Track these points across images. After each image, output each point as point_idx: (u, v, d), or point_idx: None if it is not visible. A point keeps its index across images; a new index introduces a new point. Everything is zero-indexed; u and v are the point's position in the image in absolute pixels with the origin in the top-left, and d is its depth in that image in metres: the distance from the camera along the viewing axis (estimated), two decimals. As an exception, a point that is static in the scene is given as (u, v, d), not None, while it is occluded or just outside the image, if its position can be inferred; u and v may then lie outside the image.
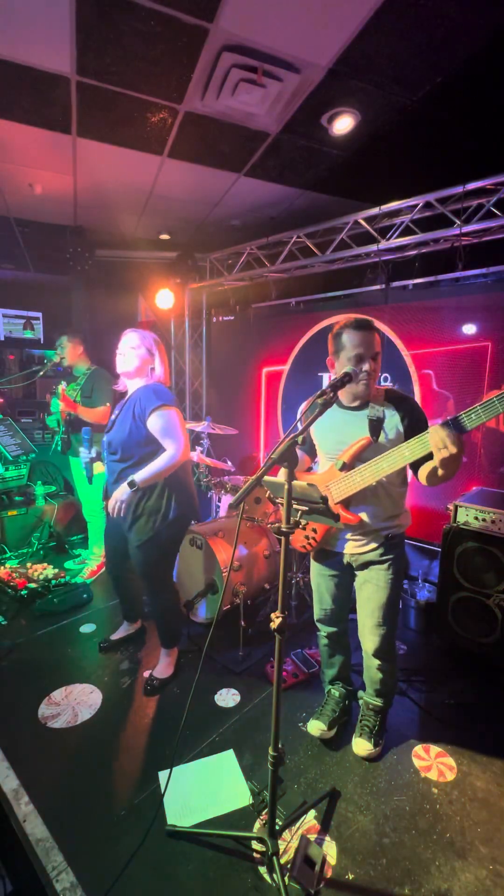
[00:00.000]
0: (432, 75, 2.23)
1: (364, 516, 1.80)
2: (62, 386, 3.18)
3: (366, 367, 1.68)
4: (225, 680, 2.45)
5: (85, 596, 3.20)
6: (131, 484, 2.04)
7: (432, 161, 3.12)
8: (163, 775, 1.87)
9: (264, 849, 1.54)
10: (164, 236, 4.76)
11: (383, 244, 3.33)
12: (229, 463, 4.00)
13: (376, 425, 1.72)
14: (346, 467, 1.76)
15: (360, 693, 2.14)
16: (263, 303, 4.83)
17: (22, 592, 3.14)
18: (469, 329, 3.14)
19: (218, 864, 1.57)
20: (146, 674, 2.44)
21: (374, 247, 3.39)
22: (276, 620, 1.40)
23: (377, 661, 1.96)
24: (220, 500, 3.87)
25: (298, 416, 1.83)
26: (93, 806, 1.77)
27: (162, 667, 2.43)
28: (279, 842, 1.56)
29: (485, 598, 2.46)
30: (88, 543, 3.62)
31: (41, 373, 3.64)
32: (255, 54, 2.10)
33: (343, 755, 2.02)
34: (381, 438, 1.72)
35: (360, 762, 1.98)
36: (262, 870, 1.55)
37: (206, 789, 1.83)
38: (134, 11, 1.86)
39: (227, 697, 2.33)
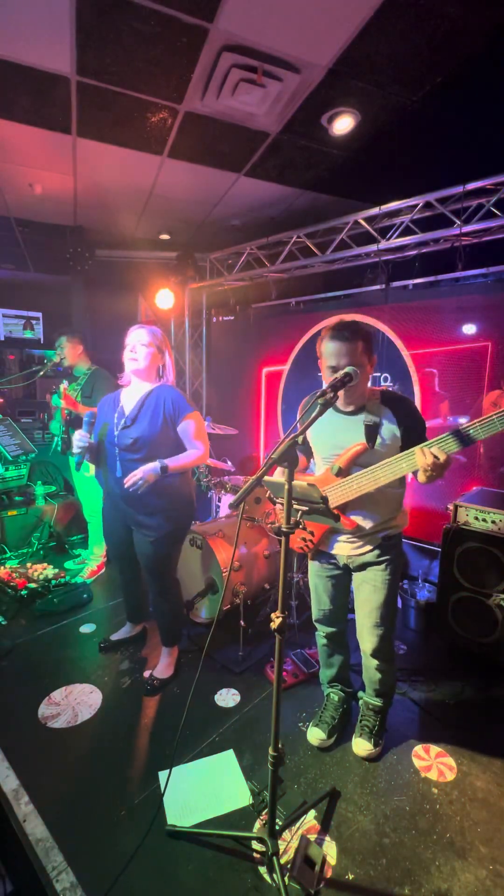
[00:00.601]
0: (432, 75, 2.23)
1: (360, 520, 1.80)
2: (63, 385, 3.17)
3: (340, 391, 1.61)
4: (225, 680, 2.45)
5: (85, 596, 3.20)
6: (164, 469, 2.04)
7: (432, 161, 3.12)
8: (163, 775, 1.87)
9: (264, 849, 1.54)
10: (164, 236, 4.76)
11: (383, 244, 3.33)
12: (229, 463, 4.00)
13: (372, 430, 1.71)
14: (342, 472, 1.75)
15: (360, 693, 2.15)
16: (263, 303, 4.83)
17: (22, 592, 3.13)
18: (469, 329, 3.14)
19: (218, 864, 1.57)
20: (146, 674, 2.44)
21: (374, 247, 3.39)
22: (276, 620, 1.40)
23: (376, 662, 1.96)
24: (220, 500, 3.87)
25: (298, 416, 1.83)
26: (93, 806, 1.77)
27: (162, 667, 2.43)
28: (279, 842, 1.56)
29: (485, 598, 2.46)
30: (88, 543, 3.62)
31: (41, 373, 3.64)
32: (255, 54, 2.10)
33: (343, 755, 2.02)
34: (377, 444, 1.71)
35: (360, 762, 1.98)
36: (262, 870, 1.55)
37: (206, 789, 1.83)
38: (134, 11, 1.86)
39: (227, 697, 2.33)
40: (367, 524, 1.81)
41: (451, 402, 3.25)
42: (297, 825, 1.69)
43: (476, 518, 2.51)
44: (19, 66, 2.19)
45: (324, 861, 1.56)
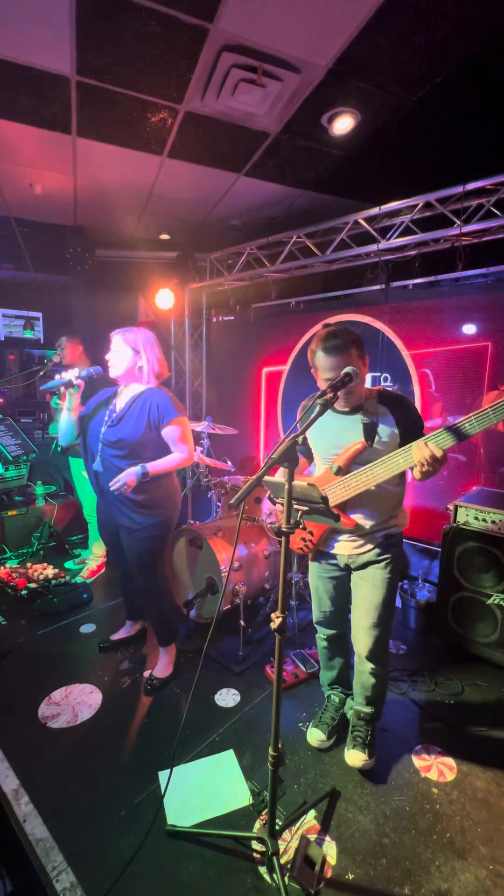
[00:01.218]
0: (432, 75, 2.23)
1: (361, 518, 1.80)
2: (49, 388, 3.18)
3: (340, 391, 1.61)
4: (225, 680, 2.45)
5: (85, 596, 3.20)
6: (145, 474, 2.09)
7: (432, 161, 3.12)
8: (163, 775, 1.87)
9: (264, 849, 1.54)
10: (164, 236, 4.75)
11: (383, 244, 3.33)
12: (229, 463, 4.00)
13: (370, 429, 1.71)
14: (342, 471, 1.76)
15: (350, 703, 2.11)
16: (263, 303, 4.82)
17: (22, 592, 3.14)
18: (469, 329, 3.14)
19: (218, 864, 1.57)
20: (146, 674, 2.44)
21: (374, 247, 3.39)
22: (276, 620, 1.40)
23: (370, 665, 1.91)
24: (220, 500, 3.87)
25: (298, 416, 1.83)
26: (93, 806, 1.77)
27: (161, 666, 2.43)
28: (279, 842, 1.56)
29: (485, 598, 2.46)
30: (88, 543, 3.62)
31: (41, 373, 3.64)
32: (255, 54, 2.10)
33: (343, 755, 2.02)
34: (376, 442, 1.72)
35: (360, 762, 1.98)
36: (262, 870, 1.55)
37: (206, 789, 1.83)
38: (134, 11, 1.86)
39: (227, 697, 2.33)
40: (366, 523, 1.81)
41: (450, 402, 3.25)
42: (297, 825, 1.69)
43: (476, 518, 2.51)
44: (19, 66, 2.19)
45: (324, 861, 1.56)
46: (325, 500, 1.45)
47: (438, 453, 1.52)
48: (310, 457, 1.98)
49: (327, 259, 3.75)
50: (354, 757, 1.95)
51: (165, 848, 1.61)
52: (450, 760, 1.99)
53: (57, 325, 5.16)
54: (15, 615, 3.01)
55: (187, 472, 4.86)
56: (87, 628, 2.92)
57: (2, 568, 3.41)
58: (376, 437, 1.72)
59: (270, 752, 1.49)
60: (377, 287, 3.81)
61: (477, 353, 3.09)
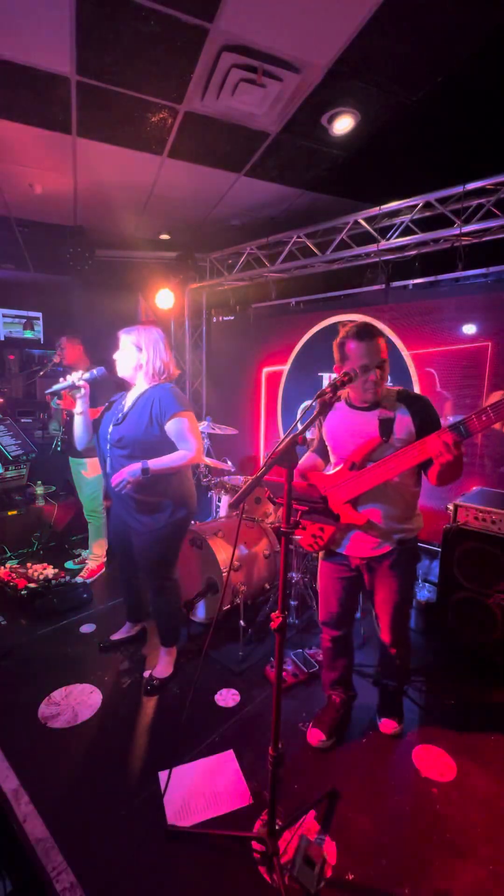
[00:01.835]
0: (432, 75, 2.23)
1: (373, 515, 1.80)
2: (55, 391, 3.18)
3: (371, 376, 1.69)
4: (225, 680, 2.45)
5: (85, 596, 3.20)
6: (145, 471, 2.04)
7: (432, 161, 3.12)
8: (163, 775, 1.87)
9: (264, 849, 1.54)
10: (164, 236, 4.76)
11: (383, 244, 3.33)
12: (229, 463, 4.00)
13: (387, 425, 1.72)
14: (357, 467, 1.77)
15: (377, 676, 2.21)
16: (263, 303, 4.83)
17: (22, 592, 3.13)
18: (469, 329, 3.14)
19: (218, 864, 1.57)
20: (146, 674, 2.44)
21: (374, 247, 3.39)
22: (276, 620, 1.40)
23: (395, 650, 2.01)
24: (220, 500, 3.87)
25: (298, 416, 1.84)
26: (93, 806, 1.77)
27: (161, 666, 2.43)
28: (279, 842, 1.56)
29: (485, 598, 2.46)
30: (88, 543, 3.62)
31: (41, 373, 3.64)
32: (255, 54, 2.09)
33: (343, 755, 2.02)
34: (392, 438, 1.72)
35: (359, 762, 1.98)
36: (263, 870, 1.55)
37: (206, 789, 1.83)
38: (134, 11, 1.86)
39: (227, 697, 2.33)
40: (379, 520, 1.80)
41: (451, 402, 3.25)
42: (297, 825, 1.69)
43: (476, 518, 2.51)
44: (19, 66, 2.19)
45: (324, 861, 1.56)
46: (324, 499, 1.45)
47: (450, 441, 1.49)
48: (325, 457, 2.00)
49: (327, 259, 3.75)
50: (387, 725, 2.11)
51: (165, 848, 1.61)
52: (450, 760, 1.99)
53: (57, 325, 5.16)
54: (15, 615, 3.01)
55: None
56: (87, 628, 2.92)
57: (2, 568, 3.41)
58: (392, 434, 1.72)
59: (270, 752, 1.49)
60: (377, 287, 3.81)
61: (477, 352, 3.09)
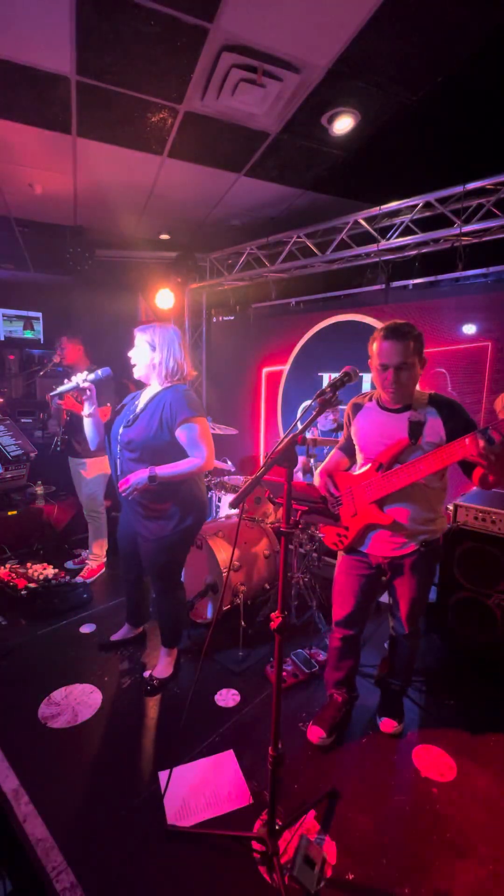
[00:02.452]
0: (432, 75, 2.23)
1: (399, 517, 1.81)
2: (59, 393, 3.18)
3: (388, 376, 1.70)
4: (225, 680, 2.45)
5: (85, 596, 3.20)
6: (152, 478, 1.99)
7: (432, 161, 3.12)
8: (163, 775, 1.87)
9: (264, 849, 1.54)
10: (164, 236, 4.76)
11: (383, 244, 3.33)
12: (229, 463, 4.00)
13: (416, 428, 1.72)
14: (384, 468, 1.78)
15: (380, 676, 2.22)
16: (263, 303, 4.83)
17: (22, 592, 3.13)
18: (469, 329, 3.14)
19: (218, 864, 1.57)
20: (146, 674, 2.44)
21: (374, 247, 3.39)
22: (276, 620, 1.40)
23: (409, 640, 2.04)
24: (220, 500, 3.87)
25: (298, 416, 1.85)
26: (93, 806, 1.77)
27: (161, 667, 2.43)
28: (279, 842, 1.56)
29: (485, 598, 2.46)
30: (88, 543, 3.62)
31: (41, 373, 3.64)
32: (255, 54, 2.10)
33: (343, 755, 2.02)
34: (421, 441, 1.73)
35: (359, 762, 1.98)
36: (263, 870, 1.55)
37: (206, 789, 1.83)
38: (134, 11, 1.86)
39: (227, 697, 2.33)
40: (404, 521, 1.80)
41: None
42: (297, 825, 1.69)
43: (476, 518, 2.51)
44: (19, 66, 2.19)
45: (324, 861, 1.56)
46: (323, 499, 1.45)
47: (482, 446, 1.45)
48: (351, 455, 2.01)
49: (327, 259, 3.75)
50: (387, 724, 2.12)
51: (165, 848, 1.61)
52: (450, 760, 1.99)
53: (57, 325, 5.16)
54: (15, 615, 3.01)
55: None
56: (87, 628, 2.92)
57: (2, 568, 3.41)
58: (422, 437, 1.73)
59: (270, 752, 1.49)
60: (377, 287, 3.81)
61: (477, 353, 3.09)
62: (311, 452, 3.13)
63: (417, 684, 2.44)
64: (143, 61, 2.16)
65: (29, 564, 3.48)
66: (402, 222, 3.28)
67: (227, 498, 3.62)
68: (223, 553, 2.79)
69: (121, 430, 2.15)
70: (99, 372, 2.24)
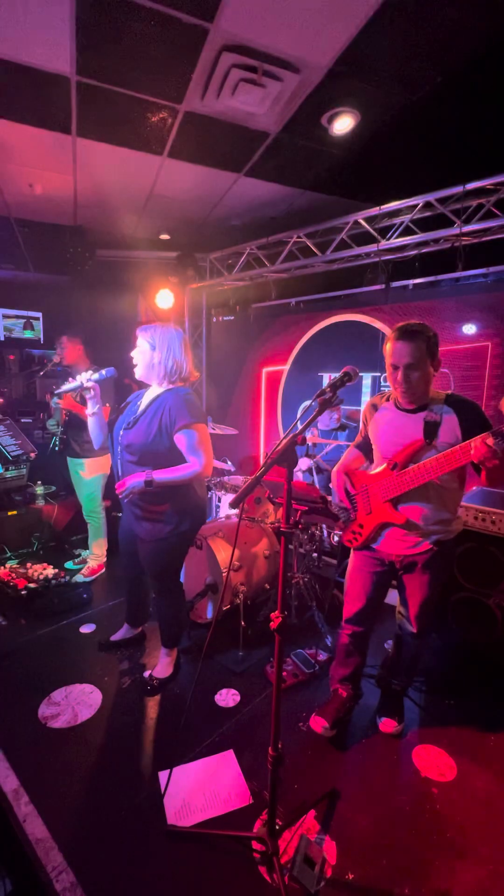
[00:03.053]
0: (432, 75, 2.23)
1: (413, 516, 1.81)
2: (63, 392, 3.18)
3: (398, 376, 1.72)
4: (225, 680, 2.45)
5: (85, 596, 3.20)
6: (149, 483, 1.99)
7: (432, 161, 3.12)
8: (163, 775, 1.87)
9: (264, 849, 1.54)
10: (164, 236, 4.76)
11: (383, 244, 3.33)
12: (229, 463, 4.00)
13: (432, 428, 1.73)
14: (399, 467, 1.78)
15: (383, 675, 2.23)
16: (263, 303, 4.83)
17: (22, 592, 3.13)
18: (469, 329, 3.14)
19: (218, 864, 1.57)
20: (146, 674, 2.44)
21: (374, 247, 3.39)
22: (276, 620, 1.40)
23: (417, 639, 2.04)
24: (220, 500, 3.87)
25: (298, 416, 1.85)
26: (93, 806, 1.77)
27: (161, 667, 2.43)
28: (279, 842, 1.56)
29: (485, 598, 2.46)
30: (88, 543, 3.62)
31: (41, 373, 3.64)
32: (255, 54, 2.10)
33: (343, 755, 2.02)
34: (436, 441, 1.73)
35: (359, 762, 1.98)
36: (263, 870, 1.55)
37: (206, 789, 1.83)
38: (134, 11, 1.86)
39: (227, 697, 2.33)
40: (418, 519, 1.81)
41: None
42: (297, 825, 1.69)
43: (476, 518, 2.51)
44: (19, 66, 2.19)
45: (324, 861, 1.56)
46: (323, 499, 1.45)
47: (493, 445, 1.46)
48: (368, 453, 2.02)
49: (327, 259, 3.75)
50: (388, 724, 2.12)
51: (165, 848, 1.61)
52: (450, 760, 1.99)
53: (57, 325, 5.16)
54: (15, 615, 3.01)
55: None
56: (87, 628, 2.92)
57: (2, 568, 3.41)
58: (437, 437, 1.73)
59: (270, 752, 1.49)
60: (377, 287, 3.81)
61: (477, 353, 3.09)
62: (310, 452, 3.13)
63: (417, 684, 2.44)
64: (143, 61, 2.16)
65: (29, 564, 3.48)
66: (402, 222, 3.28)
67: (227, 498, 3.62)
68: (223, 553, 2.79)
69: (121, 432, 2.14)
70: (103, 372, 2.24)
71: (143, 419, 2.09)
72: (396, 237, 3.29)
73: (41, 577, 3.29)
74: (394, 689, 2.18)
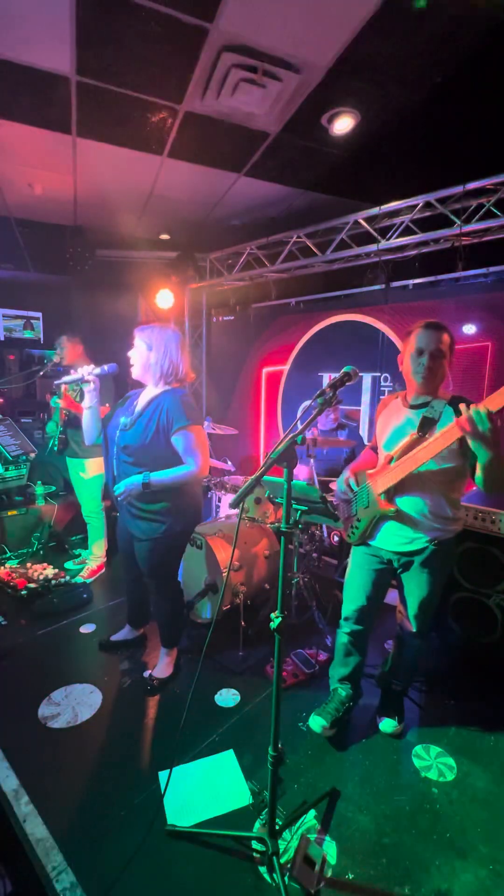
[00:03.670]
0: (432, 75, 2.23)
1: (410, 511, 1.82)
2: (63, 384, 3.18)
3: (424, 360, 1.77)
4: (225, 680, 2.45)
5: (85, 596, 3.20)
6: (146, 485, 2.01)
7: (432, 161, 3.12)
8: (163, 775, 1.86)
9: (264, 849, 1.54)
10: (164, 236, 4.76)
11: (383, 244, 3.33)
12: (229, 463, 4.00)
13: (428, 423, 1.76)
14: (395, 461, 1.81)
15: (383, 676, 2.24)
16: (263, 303, 4.83)
17: (22, 592, 3.13)
18: (469, 329, 3.14)
19: (218, 864, 1.57)
20: (146, 674, 2.44)
21: (374, 247, 3.39)
22: (276, 620, 1.40)
23: (416, 639, 2.05)
24: (220, 500, 3.87)
25: (298, 416, 1.85)
26: (93, 806, 1.76)
27: (161, 667, 2.43)
28: (279, 842, 1.56)
29: (485, 598, 2.46)
30: (88, 543, 3.62)
31: (41, 373, 3.64)
32: (255, 54, 2.10)
33: (343, 755, 2.02)
34: (429, 434, 1.75)
35: (359, 762, 1.98)
36: (262, 870, 1.54)
37: (206, 789, 1.83)
38: (134, 11, 1.86)
39: (227, 697, 2.33)
40: (416, 515, 1.82)
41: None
42: (297, 825, 1.69)
43: (476, 518, 2.51)
44: (19, 66, 2.19)
45: (324, 861, 1.56)
46: (323, 499, 1.45)
47: (472, 414, 1.46)
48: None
49: (327, 259, 3.75)
50: (388, 725, 2.11)
51: (165, 848, 1.61)
52: (450, 760, 1.99)
53: (57, 325, 5.16)
54: (15, 615, 3.01)
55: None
56: (87, 628, 2.92)
57: (2, 568, 3.41)
58: (431, 431, 1.75)
59: (270, 752, 1.49)
60: (377, 287, 3.81)
61: (477, 352, 3.09)
62: (310, 453, 3.13)
63: (417, 684, 2.44)
64: (143, 61, 2.16)
65: (29, 564, 3.48)
66: (402, 222, 3.28)
67: (227, 498, 3.62)
68: (223, 553, 2.78)
69: (118, 433, 2.15)
70: (105, 367, 2.26)
71: (141, 421, 2.10)
72: (396, 237, 3.29)
73: (41, 577, 3.30)
74: (394, 689, 2.18)
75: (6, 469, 3.95)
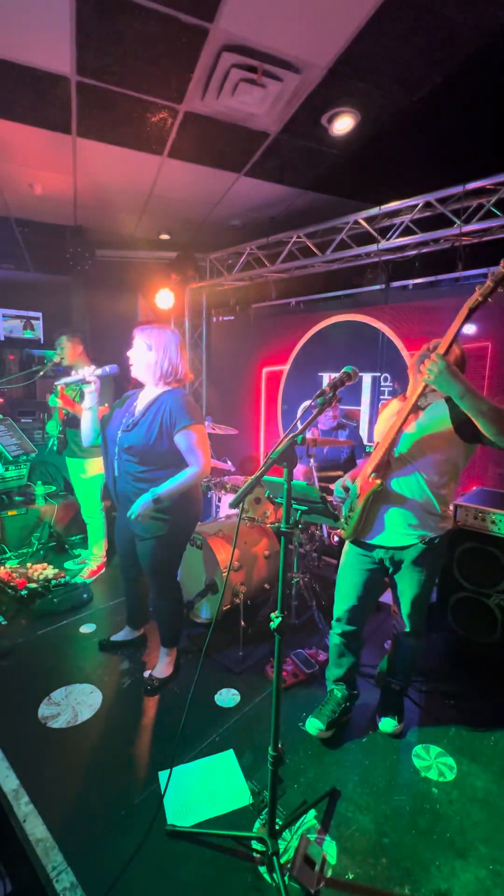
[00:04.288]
0: (432, 75, 2.23)
1: (399, 507, 1.83)
2: (61, 385, 3.17)
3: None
4: (225, 680, 2.45)
5: (85, 596, 3.20)
6: (157, 500, 2.01)
7: (432, 161, 3.12)
8: (163, 775, 1.86)
9: (264, 849, 1.54)
10: (164, 236, 4.76)
11: (383, 244, 3.33)
12: (229, 463, 4.00)
13: (417, 410, 1.79)
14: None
15: (380, 672, 2.25)
16: (263, 303, 4.83)
17: (22, 592, 3.13)
18: (469, 329, 3.14)
19: (218, 864, 1.57)
20: (146, 674, 2.44)
21: (374, 247, 3.39)
22: (275, 620, 1.40)
23: (410, 638, 2.04)
24: (220, 500, 3.87)
25: (298, 416, 1.86)
26: (93, 806, 1.76)
27: (161, 666, 2.43)
28: (279, 842, 1.56)
29: (485, 598, 2.46)
30: (88, 543, 3.62)
31: (41, 373, 3.64)
32: (255, 54, 2.10)
33: (343, 755, 2.02)
34: (419, 420, 1.79)
35: (359, 762, 1.98)
36: (262, 870, 1.55)
37: (206, 789, 1.83)
38: (134, 11, 1.86)
39: (227, 697, 2.33)
40: (406, 510, 1.83)
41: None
42: (297, 825, 1.69)
43: (476, 518, 2.51)
44: (19, 66, 2.19)
45: (324, 861, 1.56)
46: (323, 499, 1.45)
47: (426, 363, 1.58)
48: None
49: (327, 259, 3.75)
50: (387, 724, 2.11)
51: (165, 848, 1.61)
52: (450, 760, 1.99)
53: (57, 325, 5.16)
54: (15, 615, 3.01)
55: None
56: (87, 628, 2.92)
57: (2, 568, 3.41)
58: (422, 417, 1.80)
59: (270, 751, 1.49)
60: (377, 287, 3.81)
61: (477, 352, 3.09)
62: (310, 453, 3.13)
63: (417, 684, 2.44)
64: (143, 61, 2.16)
65: (29, 564, 3.48)
66: (402, 222, 3.28)
67: (227, 498, 3.62)
68: (223, 553, 2.78)
69: (119, 434, 2.15)
70: (107, 368, 2.27)
71: (144, 422, 2.10)
72: (396, 237, 3.29)
73: (41, 577, 3.30)
74: (393, 689, 2.19)
75: (6, 469, 3.95)
